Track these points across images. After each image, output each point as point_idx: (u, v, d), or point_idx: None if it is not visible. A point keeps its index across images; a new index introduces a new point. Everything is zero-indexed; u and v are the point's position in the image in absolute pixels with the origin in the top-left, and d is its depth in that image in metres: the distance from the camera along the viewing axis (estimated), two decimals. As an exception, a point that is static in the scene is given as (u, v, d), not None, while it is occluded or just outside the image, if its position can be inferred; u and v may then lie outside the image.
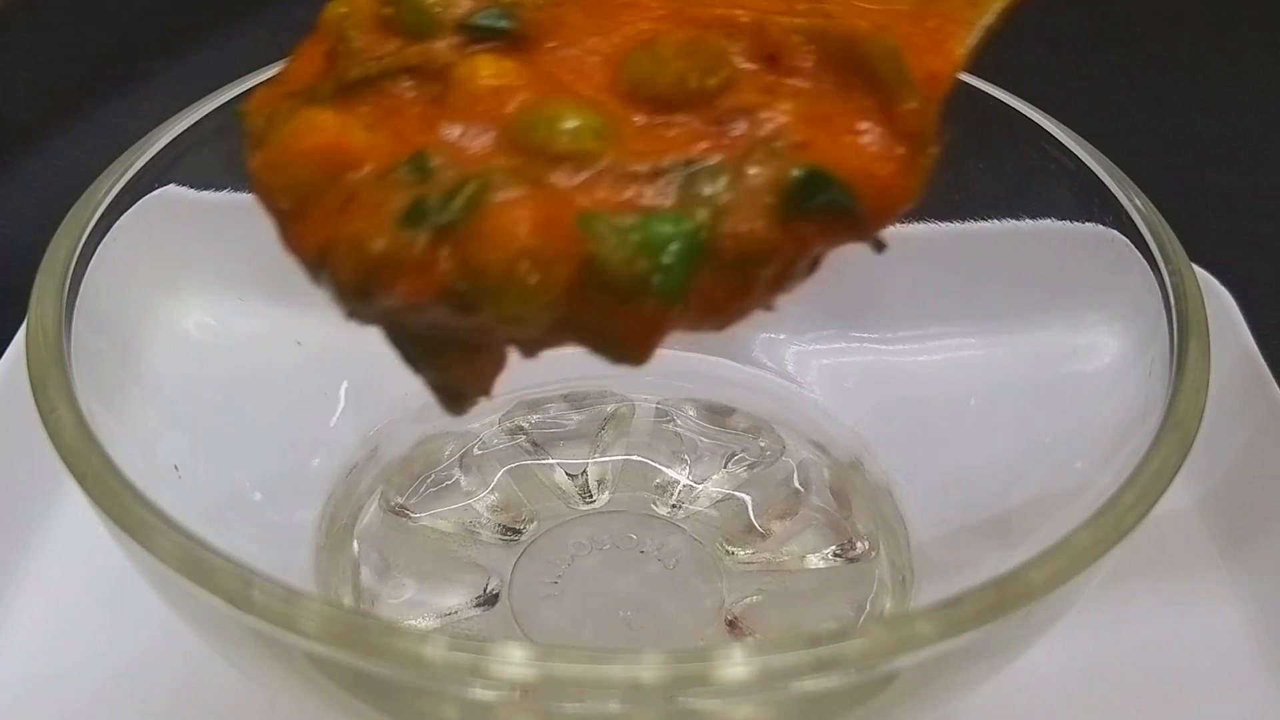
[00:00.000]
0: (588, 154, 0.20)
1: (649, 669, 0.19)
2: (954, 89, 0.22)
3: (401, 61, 0.21)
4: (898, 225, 0.21)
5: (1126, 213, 0.29)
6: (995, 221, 0.35)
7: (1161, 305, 0.27)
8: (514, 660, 0.19)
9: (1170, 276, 0.27)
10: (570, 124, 0.20)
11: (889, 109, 0.21)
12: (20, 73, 0.58)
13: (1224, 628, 0.34)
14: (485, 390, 0.23)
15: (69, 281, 0.26)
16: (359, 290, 0.19)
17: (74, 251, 0.27)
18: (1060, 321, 0.34)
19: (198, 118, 0.30)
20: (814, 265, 0.21)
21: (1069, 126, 0.31)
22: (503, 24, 0.21)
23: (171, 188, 0.30)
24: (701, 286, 0.19)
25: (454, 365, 0.22)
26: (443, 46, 0.21)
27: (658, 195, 0.20)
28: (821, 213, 0.20)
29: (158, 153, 0.29)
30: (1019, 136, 0.31)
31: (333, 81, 0.21)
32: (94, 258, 0.27)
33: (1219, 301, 0.38)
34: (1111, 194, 0.29)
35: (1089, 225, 0.30)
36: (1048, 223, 0.33)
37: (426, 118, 0.21)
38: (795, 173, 0.20)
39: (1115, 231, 0.29)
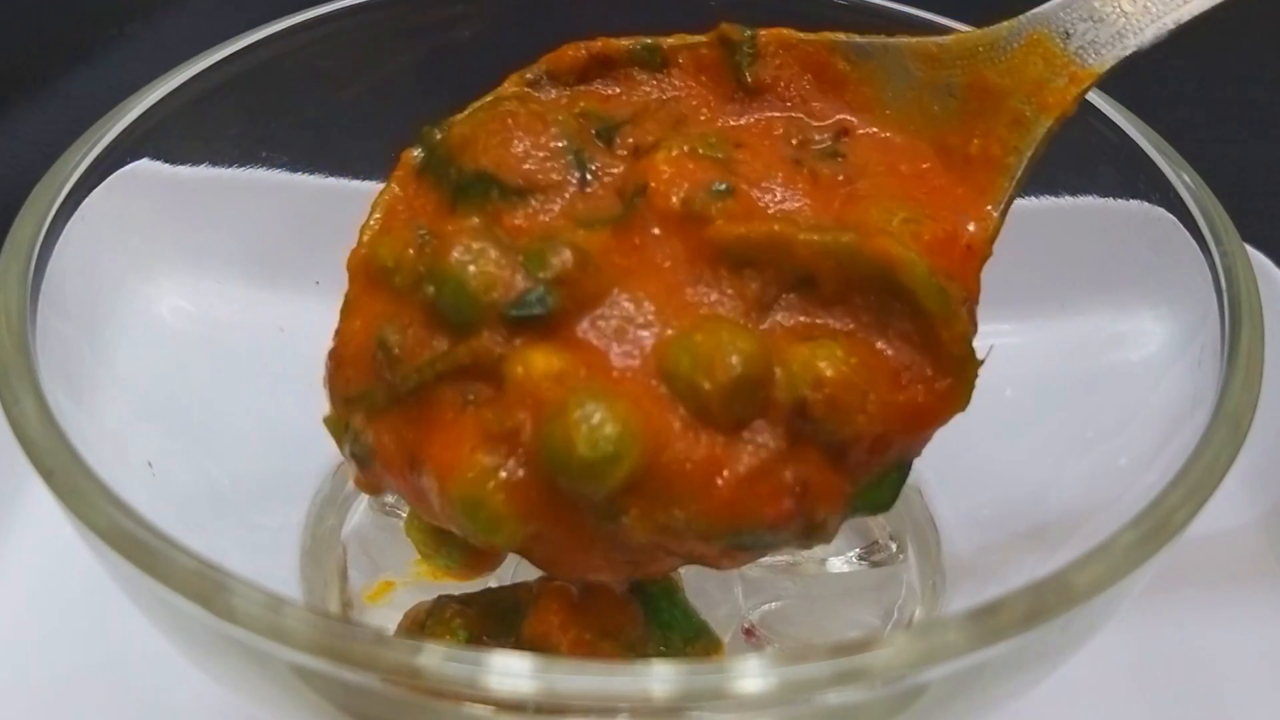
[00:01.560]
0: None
1: (660, 682, 0.19)
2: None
3: (452, 363, 0.23)
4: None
5: (1174, 189, 0.29)
6: (1032, 199, 0.35)
7: (1211, 289, 0.27)
8: (515, 673, 0.19)
9: (1221, 258, 0.27)
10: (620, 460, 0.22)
11: (931, 334, 0.23)
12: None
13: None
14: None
15: (34, 264, 0.26)
16: None
17: (39, 232, 0.26)
18: (1102, 307, 0.34)
19: (173, 86, 0.30)
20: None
21: (1112, 97, 0.31)
22: (541, 309, 0.23)
23: (144, 162, 0.30)
24: None
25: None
26: (487, 340, 0.23)
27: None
28: None
29: (130, 124, 0.29)
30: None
31: (387, 391, 0.24)
32: (61, 238, 0.27)
33: (1273, 285, 0.38)
34: (1158, 169, 0.29)
35: (1134, 203, 0.30)
36: (1089, 200, 0.32)
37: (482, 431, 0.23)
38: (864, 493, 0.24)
39: (1162, 210, 0.29)
